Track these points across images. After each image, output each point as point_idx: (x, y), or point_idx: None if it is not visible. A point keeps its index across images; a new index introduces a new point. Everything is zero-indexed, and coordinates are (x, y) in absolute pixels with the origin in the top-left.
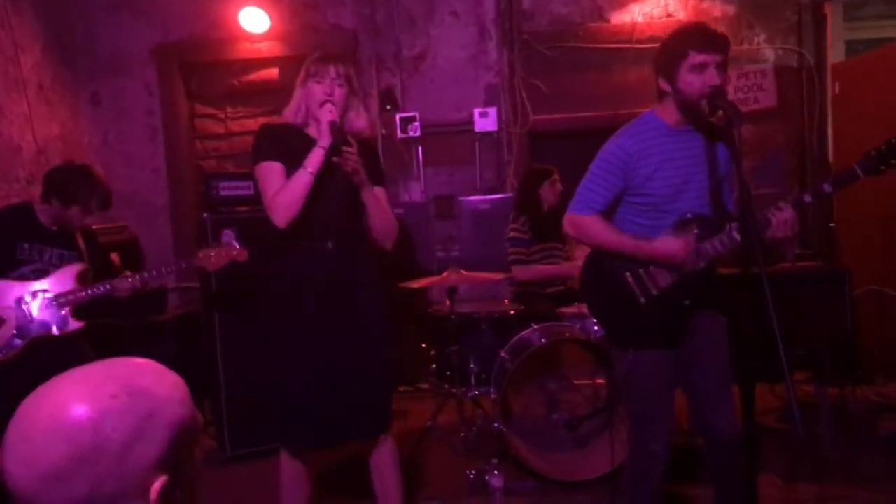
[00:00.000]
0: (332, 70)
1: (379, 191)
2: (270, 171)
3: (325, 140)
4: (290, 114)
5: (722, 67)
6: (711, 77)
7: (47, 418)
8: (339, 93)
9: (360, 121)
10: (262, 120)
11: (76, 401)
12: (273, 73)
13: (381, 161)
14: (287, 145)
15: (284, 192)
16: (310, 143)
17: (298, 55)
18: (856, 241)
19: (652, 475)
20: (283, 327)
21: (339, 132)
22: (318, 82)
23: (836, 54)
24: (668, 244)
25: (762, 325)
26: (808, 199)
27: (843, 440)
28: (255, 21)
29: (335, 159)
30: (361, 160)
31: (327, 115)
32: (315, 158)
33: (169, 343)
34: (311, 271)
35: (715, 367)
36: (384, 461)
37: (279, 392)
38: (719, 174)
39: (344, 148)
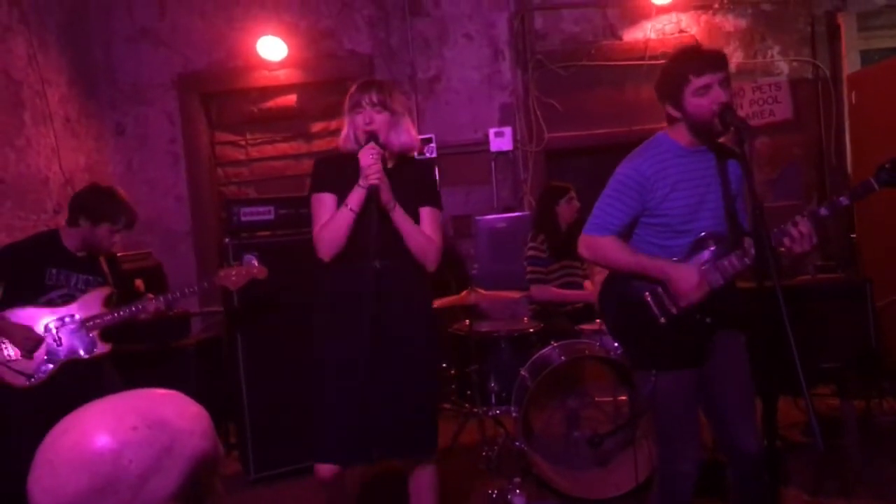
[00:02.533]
0: (367, 98)
1: (425, 211)
2: (320, 203)
3: (365, 180)
4: (342, 142)
5: (725, 83)
6: (718, 95)
7: (71, 448)
8: (378, 119)
9: (402, 138)
10: (281, 146)
11: (99, 432)
12: (291, 99)
13: (436, 183)
14: (342, 174)
15: (328, 228)
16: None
17: (316, 81)
18: (878, 252)
19: (681, 495)
20: (327, 343)
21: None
22: (359, 112)
23: (851, 64)
24: (685, 274)
25: (782, 338)
26: (824, 212)
27: (870, 453)
28: (272, 49)
29: (361, 184)
30: (410, 179)
31: (367, 158)
32: (356, 197)
33: (192, 367)
34: (357, 288)
35: (737, 384)
36: (424, 485)
37: (317, 408)
38: (732, 192)
39: (360, 154)
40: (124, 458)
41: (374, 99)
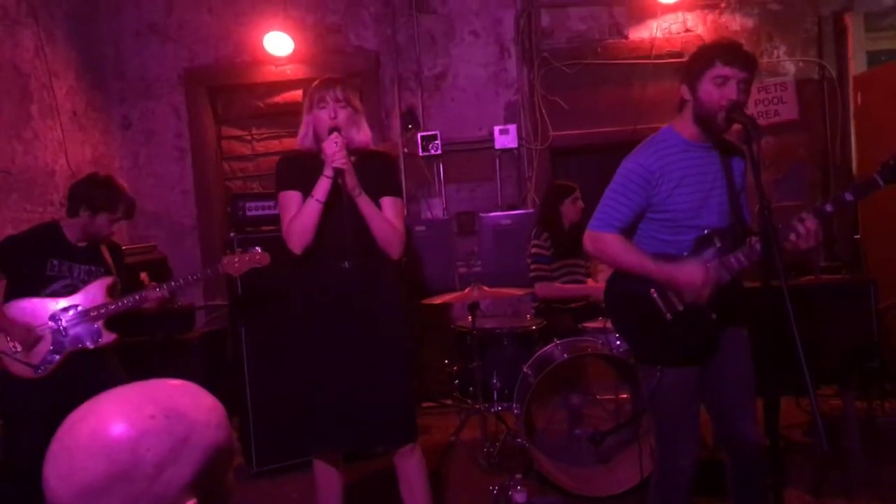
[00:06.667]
0: (332, 94)
1: (387, 200)
2: (287, 200)
3: (329, 170)
4: (301, 141)
5: (745, 85)
6: (731, 91)
7: (88, 435)
8: (342, 114)
9: (361, 135)
10: (286, 141)
11: (116, 419)
12: (297, 95)
13: (397, 174)
14: (305, 172)
15: (296, 220)
16: (322, 167)
17: (322, 77)
18: (882, 253)
19: (680, 492)
20: (303, 338)
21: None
22: (323, 108)
23: (857, 65)
24: (690, 274)
25: (786, 337)
26: (829, 208)
27: (871, 454)
28: (279, 45)
29: (327, 173)
30: (371, 171)
31: (332, 146)
32: (322, 187)
33: (197, 360)
34: (329, 287)
35: (738, 377)
36: (412, 472)
37: (302, 399)
38: (736, 188)
39: (324, 144)
40: (141, 447)
41: (339, 95)
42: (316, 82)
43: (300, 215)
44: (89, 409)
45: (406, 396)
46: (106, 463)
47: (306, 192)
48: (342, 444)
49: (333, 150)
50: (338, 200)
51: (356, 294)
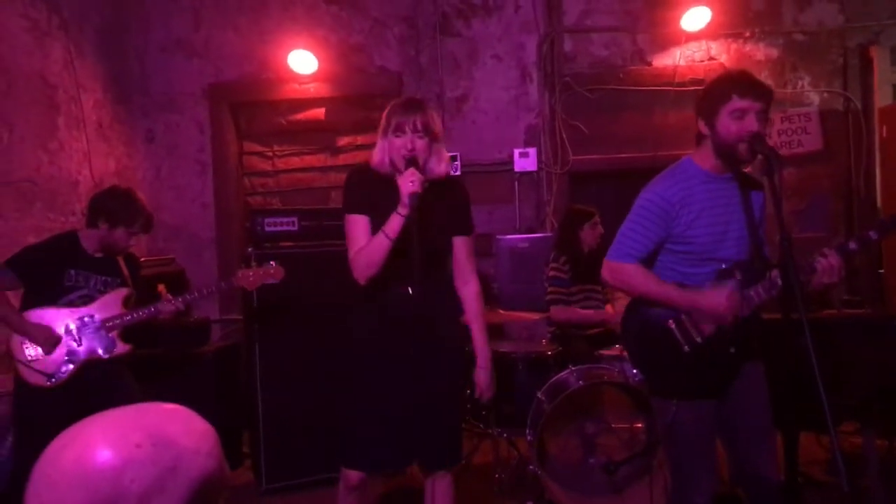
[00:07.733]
0: (411, 123)
1: (460, 241)
2: (355, 225)
3: (404, 209)
4: (375, 162)
5: (762, 116)
6: (750, 123)
7: (72, 463)
8: (419, 144)
9: (440, 166)
10: (308, 158)
11: (101, 447)
12: (320, 112)
13: (470, 207)
14: (375, 193)
15: (365, 253)
16: (395, 193)
17: (345, 96)
18: None
19: None
20: (363, 360)
21: (420, 201)
22: (399, 136)
23: (883, 98)
24: (715, 299)
25: (806, 373)
26: (853, 246)
27: (893, 494)
28: (303, 63)
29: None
30: (446, 201)
31: (408, 185)
32: (394, 225)
33: (210, 375)
34: (392, 313)
35: (755, 412)
36: (444, 495)
37: (353, 420)
38: (755, 221)
39: (400, 181)
40: (126, 477)
41: (419, 125)
42: (396, 103)
43: (369, 249)
44: (73, 436)
45: (459, 421)
46: (87, 493)
47: (375, 216)
48: (390, 466)
49: (409, 190)
50: (407, 229)
51: (418, 320)
